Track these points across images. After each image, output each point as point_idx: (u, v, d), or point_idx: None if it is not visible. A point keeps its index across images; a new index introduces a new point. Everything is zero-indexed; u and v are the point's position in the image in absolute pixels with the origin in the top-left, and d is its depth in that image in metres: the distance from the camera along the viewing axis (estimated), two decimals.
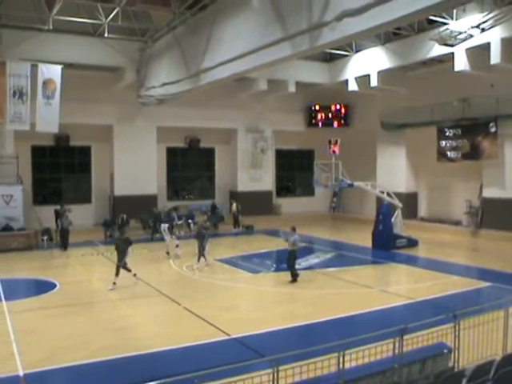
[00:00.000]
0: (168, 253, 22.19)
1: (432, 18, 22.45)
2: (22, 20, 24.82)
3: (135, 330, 12.67)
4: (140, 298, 16.23)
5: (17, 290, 17.42)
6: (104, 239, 27.05)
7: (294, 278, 17.46)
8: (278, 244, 18.10)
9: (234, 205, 31.65)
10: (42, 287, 17.02)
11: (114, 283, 16.81)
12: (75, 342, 11.63)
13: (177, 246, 21.90)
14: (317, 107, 36.61)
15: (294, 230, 17.97)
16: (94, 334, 12.32)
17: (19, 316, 13.79)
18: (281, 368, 7.32)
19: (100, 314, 14.15)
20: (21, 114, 22.42)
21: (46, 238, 24.92)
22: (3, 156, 26.36)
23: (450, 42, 22.44)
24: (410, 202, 31.06)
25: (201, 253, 20.01)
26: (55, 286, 17.08)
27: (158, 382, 6.75)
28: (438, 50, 24.07)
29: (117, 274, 17.00)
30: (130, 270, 17.19)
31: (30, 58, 23.74)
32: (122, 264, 17.07)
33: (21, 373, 9.90)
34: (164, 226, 22.67)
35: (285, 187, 39.10)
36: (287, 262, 17.67)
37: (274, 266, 18.13)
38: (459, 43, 22.48)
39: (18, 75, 22.27)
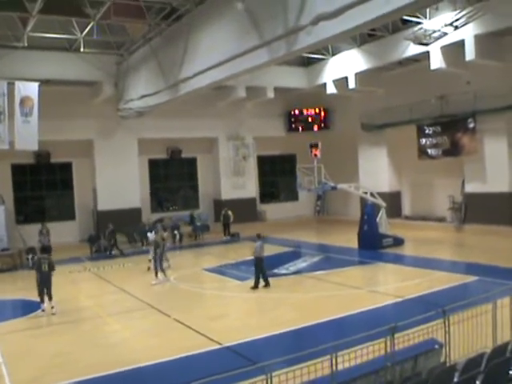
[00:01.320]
0: (149, 268, 21.38)
1: (406, 17, 22.73)
2: None
3: (125, 345, 12.56)
4: (129, 312, 16.10)
5: (3, 311, 17.20)
6: (90, 255, 26.84)
7: (256, 285, 17.42)
8: (265, 250, 18.06)
9: (230, 212, 31.42)
10: (29, 307, 16.77)
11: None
12: (64, 361, 11.50)
13: (149, 260, 21.30)
14: (296, 112, 36.73)
15: (258, 236, 17.90)
16: (82, 351, 12.18)
17: (7, 337, 13.63)
18: (274, 374, 7.29)
19: (88, 331, 14.00)
20: None
21: (30, 256, 24.62)
22: None
23: (424, 41, 22.63)
24: (393, 201, 31.23)
25: (158, 267, 19.61)
26: (42, 305, 16.84)
27: None
28: (413, 49, 24.32)
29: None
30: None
31: (6, 76, 23.48)
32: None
33: None
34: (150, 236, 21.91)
35: (269, 193, 39.14)
36: (255, 269, 17.61)
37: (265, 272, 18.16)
38: (434, 42, 22.69)
39: None
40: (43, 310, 15.77)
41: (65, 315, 15.74)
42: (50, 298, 15.90)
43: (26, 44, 24.62)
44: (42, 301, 15.80)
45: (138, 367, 10.83)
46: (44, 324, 14.94)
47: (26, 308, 17.04)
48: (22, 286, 20.32)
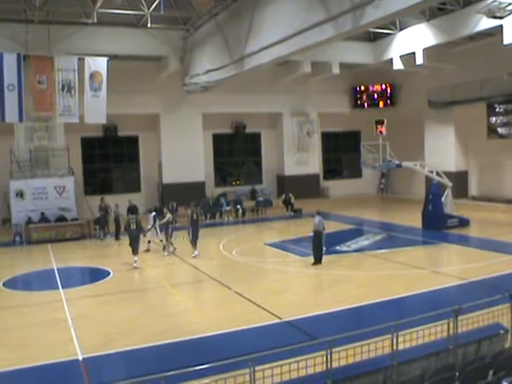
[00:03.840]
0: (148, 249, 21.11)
1: None
2: (68, 15, 25.33)
3: (188, 315, 12.88)
4: (191, 283, 16.50)
5: (73, 278, 17.92)
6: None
7: (317, 260, 17.38)
8: (327, 227, 18.01)
9: (291, 195, 31.35)
10: (97, 275, 17.47)
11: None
12: (130, 328, 11.93)
13: (149, 242, 21.10)
14: (361, 88, 36.14)
15: (318, 213, 17.83)
16: (147, 319, 12.59)
17: (76, 303, 14.22)
18: (334, 350, 7.34)
19: (153, 300, 14.43)
20: (70, 107, 22.86)
21: (98, 227, 25.42)
22: (55, 148, 27.09)
23: (498, 15, 21.63)
24: (459, 180, 30.41)
25: (168, 241, 20.49)
26: (109, 273, 17.49)
27: (213, 364, 6.86)
28: (485, 23, 23.27)
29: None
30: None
31: (77, 52, 24.16)
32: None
33: (80, 357, 10.23)
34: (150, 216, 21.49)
35: (332, 170, 38.85)
36: (312, 244, 17.61)
37: (324, 248, 18.10)
38: (508, 15, 21.70)
39: (65, 69, 22.69)
40: (135, 261, 18.29)
41: (130, 284, 16.28)
42: (136, 253, 18.45)
43: (95, 20, 25.17)
44: (134, 253, 18.51)
45: (199, 337, 11.11)
46: (110, 291, 15.47)
47: (94, 275, 17.77)
48: (90, 255, 21.12)
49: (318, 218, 17.57)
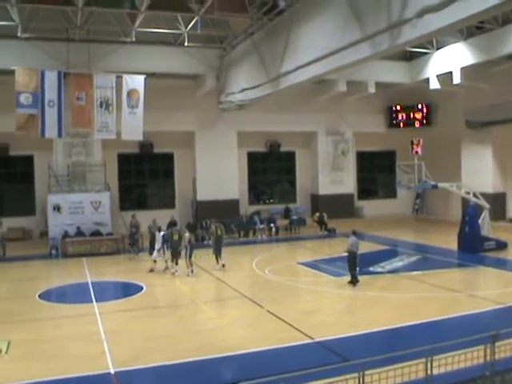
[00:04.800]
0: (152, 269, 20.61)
1: None
2: (107, 34, 26.00)
3: (220, 332, 12.84)
4: (223, 300, 16.49)
5: (106, 292, 18.11)
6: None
7: (353, 281, 17.13)
8: (361, 247, 17.82)
9: (324, 214, 31.18)
10: (130, 290, 17.60)
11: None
12: (162, 343, 11.95)
13: (154, 261, 20.55)
14: (397, 107, 35.93)
15: (354, 233, 17.63)
16: (180, 335, 12.61)
17: (109, 317, 14.33)
18: (366, 373, 7.22)
19: (185, 316, 14.46)
20: (107, 124, 23.28)
21: (130, 243, 25.55)
22: (92, 164, 27.62)
23: None
24: (497, 202, 29.85)
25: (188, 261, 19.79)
26: (142, 288, 17.60)
27: (245, 383, 6.82)
28: None
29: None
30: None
31: (115, 70, 24.67)
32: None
33: (112, 370, 10.29)
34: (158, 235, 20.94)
35: (366, 189, 38.59)
36: (348, 264, 17.39)
37: (357, 269, 17.89)
38: None
39: (103, 87, 23.17)
40: (176, 271, 19.67)
41: (162, 299, 16.35)
42: (177, 263, 19.77)
43: (133, 39, 25.72)
44: (176, 263, 19.83)
45: (231, 355, 11.05)
46: (143, 306, 15.55)
47: (127, 290, 17.92)
48: (124, 269, 21.30)
49: (353, 239, 17.39)
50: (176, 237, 20.05)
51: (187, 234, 20.50)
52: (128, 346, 11.80)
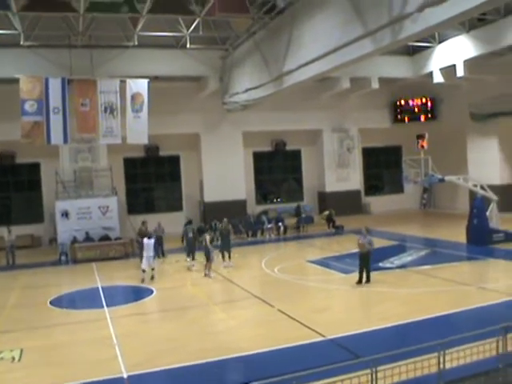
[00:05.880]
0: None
1: None
2: (109, 39, 26.12)
3: (231, 333, 12.85)
4: (234, 301, 16.49)
5: (117, 296, 18.13)
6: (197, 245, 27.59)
7: (361, 279, 16.88)
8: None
9: (333, 211, 31.23)
10: (141, 293, 17.64)
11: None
12: (173, 346, 11.97)
13: (143, 271, 19.19)
14: (402, 102, 35.85)
15: (367, 230, 17.52)
16: (191, 337, 12.62)
17: (120, 321, 14.37)
18: (379, 369, 7.22)
19: (195, 318, 14.45)
20: (112, 129, 23.33)
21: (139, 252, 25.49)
22: (98, 169, 27.72)
23: None
24: (505, 194, 29.62)
25: (208, 263, 19.64)
26: (152, 292, 17.64)
27: (257, 383, 6.83)
28: None
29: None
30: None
31: (118, 75, 24.72)
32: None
33: (124, 374, 10.32)
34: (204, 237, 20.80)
35: (373, 185, 38.53)
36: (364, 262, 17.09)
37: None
38: None
39: (107, 92, 23.20)
40: (193, 265, 21.25)
41: (172, 302, 16.37)
42: (193, 258, 21.47)
43: (136, 43, 25.82)
44: (192, 258, 21.55)
45: (243, 355, 11.06)
46: (154, 310, 15.62)
47: (137, 294, 17.94)
48: (133, 274, 21.26)
49: (367, 236, 17.21)
50: (191, 234, 21.82)
51: (206, 236, 20.47)
52: (140, 349, 11.83)
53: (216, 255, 20.45)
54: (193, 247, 21.84)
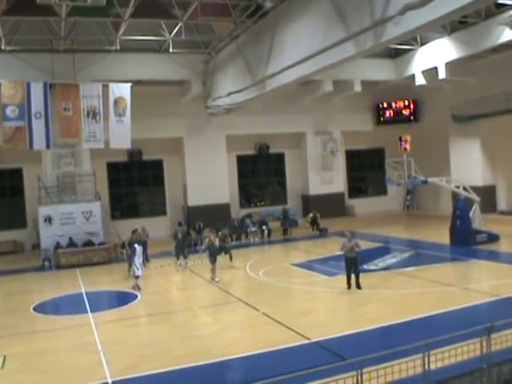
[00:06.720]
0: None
1: (500, 1, 21.56)
2: (91, 43, 25.96)
3: (216, 337, 12.80)
4: (218, 305, 16.46)
5: (101, 301, 18.04)
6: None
7: (350, 284, 16.66)
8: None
9: (317, 214, 31.32)
10: (125, 298, 17.55)
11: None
12: (158, 350, 11.91)
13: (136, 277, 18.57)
14: (384, 105, 36.06)
15: (352, 234, 17.45)
16: (175, 342, 12.58)
17: (105, 326, 14.28)
18: (364, 370, 7.23)
19: (180, 323, 14.42)
20: (95, 133, 23.21)
21: (124, 251, 25.53)
22: (81, 174, 27.50)
23: None
24: (487, 195, 29.96)
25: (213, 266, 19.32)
26: (137, 297, 17.55)
27: None
28: (508, 34, 23.08)
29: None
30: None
31: (101, 79, 24.62)
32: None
33: (109, 380, 10.25)
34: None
35: (357, 188, 38.66)
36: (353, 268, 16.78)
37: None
38: None
39: (90, 96, 23.10)
40: (180, 264, 22.23)
41: (157, 307, 16.30)
42: (185, 257, 22.55)
43: (118, 47, 25.70)
44: (178, 259, 22.36)
45: (227, 359, 11.04)
46: (138, 315, 15.53)
47: (122, 299, 17.86)
48: (117, 279, 21.19)
49: (354, 240, 17.07)
50: (180, 236, 22.54)
51: (207, 239, 20.04)
52: (125, 354, 11.76)
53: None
54: (182, 249, 22.50)
